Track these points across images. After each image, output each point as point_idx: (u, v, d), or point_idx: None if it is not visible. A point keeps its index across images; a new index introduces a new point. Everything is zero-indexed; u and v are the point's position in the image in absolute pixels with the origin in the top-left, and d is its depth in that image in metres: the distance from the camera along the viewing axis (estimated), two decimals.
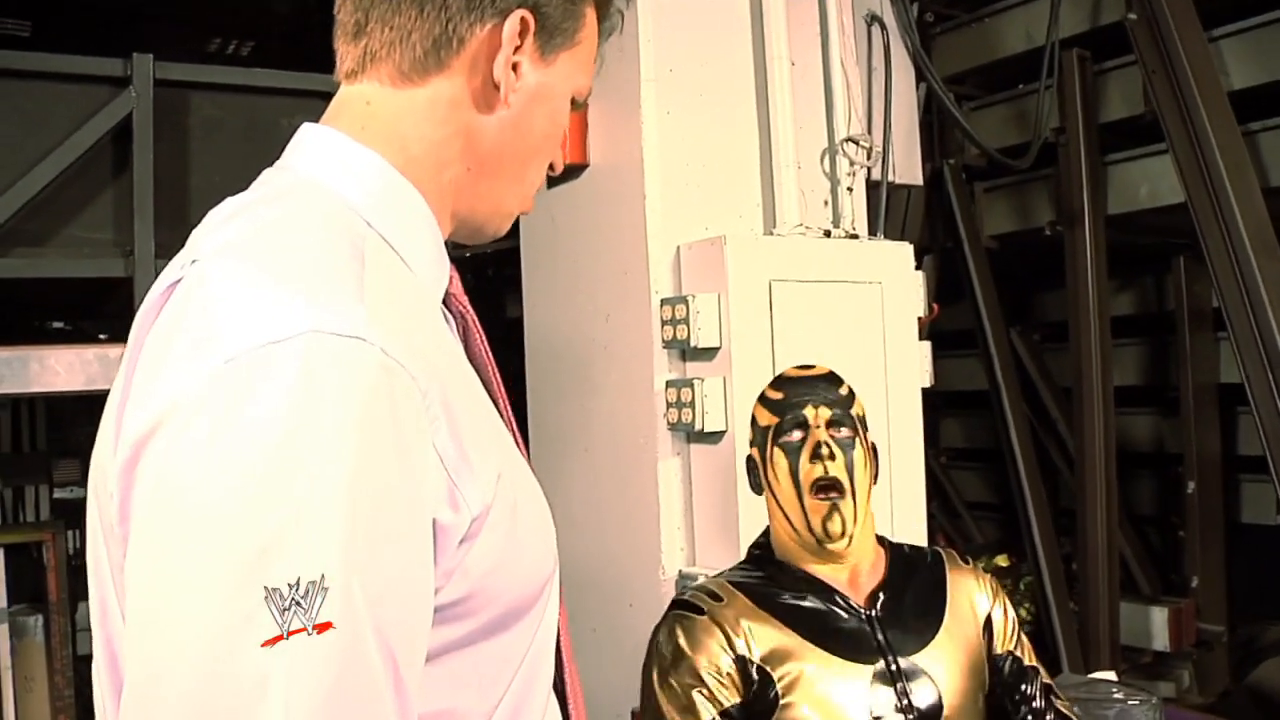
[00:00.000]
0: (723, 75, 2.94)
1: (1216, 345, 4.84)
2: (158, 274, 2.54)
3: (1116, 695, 2.50)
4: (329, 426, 0.76)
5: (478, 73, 0.98)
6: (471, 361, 1.02)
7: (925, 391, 3.06)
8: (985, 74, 4.86)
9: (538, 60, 1.00)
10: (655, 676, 1.70)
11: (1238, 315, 3.58)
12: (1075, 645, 4.44)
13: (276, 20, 6.66)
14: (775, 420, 1.78)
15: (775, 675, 1.65)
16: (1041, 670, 1.83)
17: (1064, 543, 4.81)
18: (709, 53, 2.92)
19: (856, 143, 3.08)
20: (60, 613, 4.02)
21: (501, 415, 1.01)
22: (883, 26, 3.36)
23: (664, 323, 2.71)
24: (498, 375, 1.07)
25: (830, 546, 1.72)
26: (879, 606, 1.73)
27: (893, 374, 2.88)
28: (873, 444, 1.80)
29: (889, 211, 3.32)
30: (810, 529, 1.72)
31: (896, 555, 1.83)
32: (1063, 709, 1.80)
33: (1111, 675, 2.79)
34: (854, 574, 1.76)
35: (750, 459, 1.85)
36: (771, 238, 2.86)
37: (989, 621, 1.80)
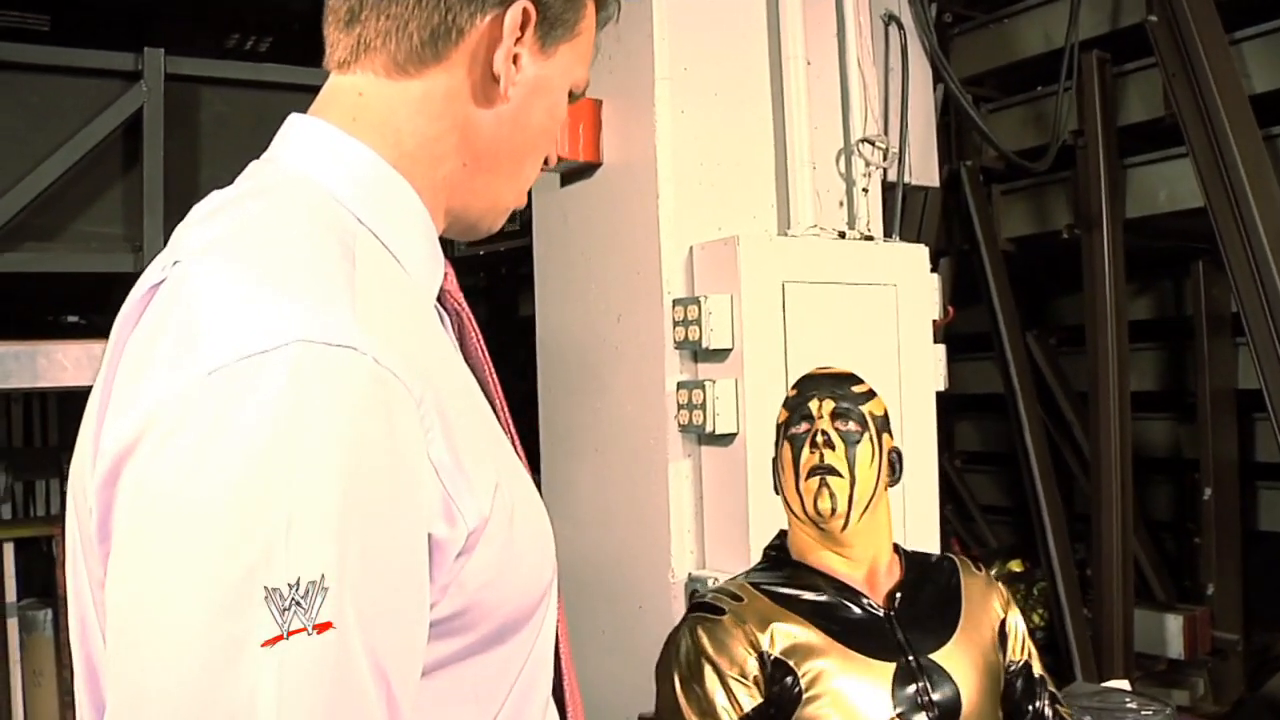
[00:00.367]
0: (738, 74, 2.92)
1: (1235, 351, 4.81)
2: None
3: (1130, 705, 2.47)
4: (318, 442, 0.73)
5: (477, 65, 0.94)
6: (468, 361, 0.99)
7: (940, 394, 3.03)
8: (1003, 75, 4.84)
9: (537, 53, 0.97)
10: (676, 680, 1.69)
11: (1257, 321, 3.56)
12: (1089, 652, 4.41)
13: (295, 16, 6.68)
14: (787, 415, 1.81)
15: (799, 671, 1.65)
16: (1048, 679, 1.85)
17: (1078, 548, 4.79)
18: (724, 51, 2.90)
19: (873, 143, 3.06)
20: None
21: (499, 417, 0.98)
22: (900, 26, 3.33)
23: (676, 323, 2.69)
24: (494, 376, 1.03)
25: (825, 526, 1.73)
26: (897, 605, 1.74)
27: (907, 377, 2.85)
28: (896, 449, 1.80)
29: (905, 213, 3.30)
30: (806, 511, 1.74)
31: (912, 559, 1.85)
32: (1066, 717, 1.83)
33: (1125, 684, 2.76)
34: (871, 574, 1.77)
35: (773, 458, 1.86)
36: (785, 238, 2.84)
37: (1003, 629, 1.82)
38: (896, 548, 1.84)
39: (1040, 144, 4.35)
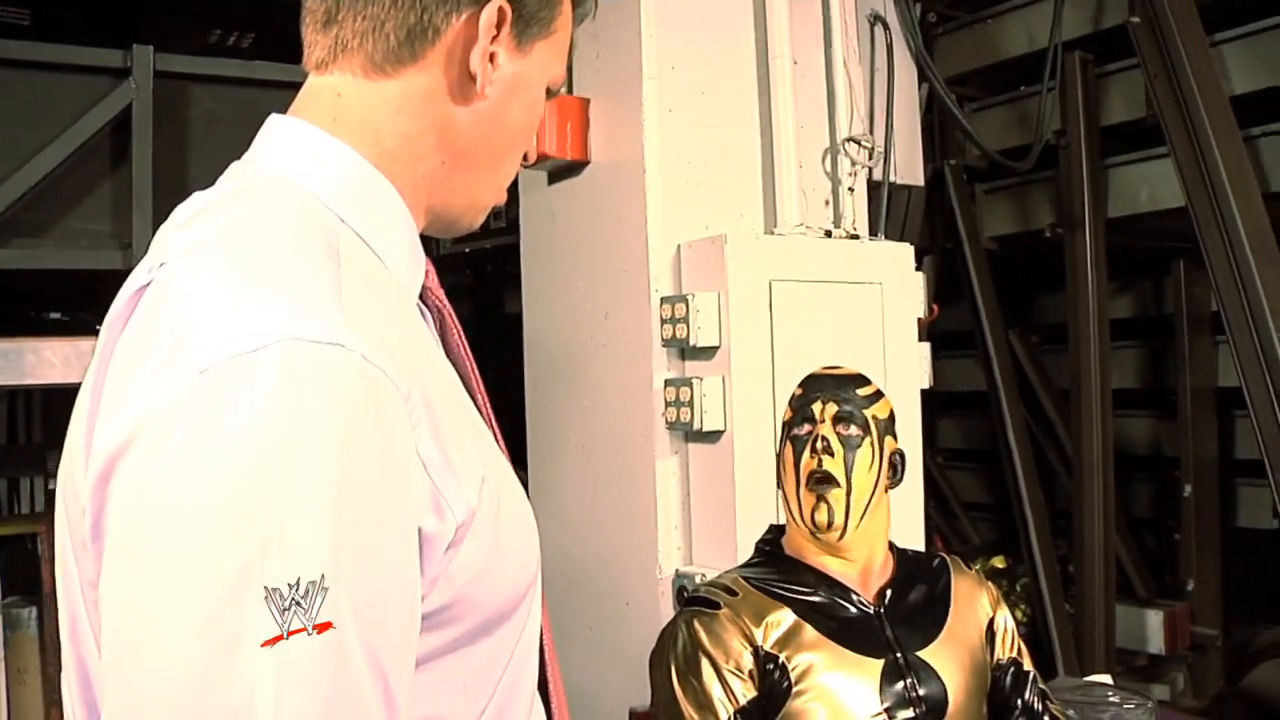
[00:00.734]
0: (725, 73, 2.93)
1: (1215, 349, 4.85)
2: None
3: (1112, 698, 2.50)
4: (310, 439, 0.73)
5: (454, 64, 0.95)
6: (450, 357, 1.00)
7: (922, 392, 3.05)
8: (987, 75, 4.87)
9: (514, 50, 0.98)
10: (673, 673, 1.71)
11: (1237, 319, 3.59)
12: (1070, 647, 4.45)
13: (278, 12, 6.65)
14: (791, 414, 1.82)
15: (789, 666, 1.67)
16: (1038, 676, 1.87)
17: (1060, 544, 4.82)
18: (711, 50, 2.91)
19: (858, 143, 3.07)
20: (55, 605, 4.01)
21: (481, 413, 0.99)
22: (885, 26, 3.35)
23: (663, 321, 2.70)
24: (477, 372, 1.04)
25: (821, 537, 1.76)
26: (886, 603, 1.76)
27: (892, 375, 2.87)
28: (899, 451, 1.81)
29: (889, 212, 3.32)
30: (805, 521, 1.76)
31: (904, 558, 1.87)
32: (1056, 713, 1.86)
33: (1107, 678, 2.79)
34: (864, 571, 1.80)
35: (777, 454, 1.89)
36: (772, 237, 2.85)
37: (991, 627, 1.85)
38: (891, 546, 1.86)
39: (1023, 143, 4.37)
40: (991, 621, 1.84)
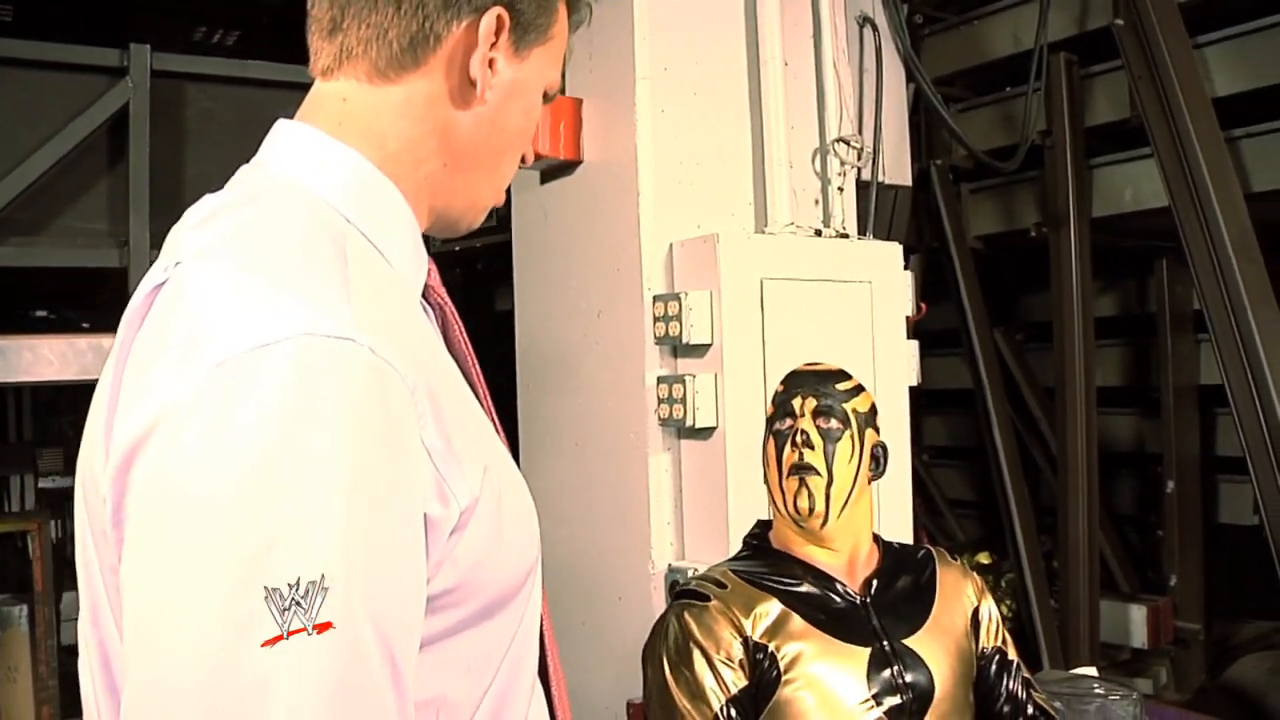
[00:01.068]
0: (716, 74, 2.96)
1: (1197, 347, 4.90)
2: (153, 265, 2.54)
3: (1098, 691, 2.54)
4: (323, 428, 0.77)
5: (454, 70, 0.98)
6: (451, 353, 1.03)
7: (909, 389, 3.09)
8: (973, 76, 4.90)
9: (512, 56, 1.01)
10: (665, 665, 1.74)
11: (1219, 318, 3.63)
12: (1055, 642, 4.49)
13: (263, 9, 6.63)
14: (774, 410, 1.86)
15: (779, 655, 1.70)
16: (1022, 665, 1.90)
17: (1044, 540, 4.86)
18: (703, 52, 2.94)
19: (847, 143, 3.11)
20: (45, 603, 4.02)
21: (483, 406, 1.02)
22: (874, 28, 3.38)
23: (656, 319, 2.73)
24: (477, 366, 1.08)
25: (804, 525, 1.79)
26: (872, 592, 1.79)
27: (881, 372, 2.91)
28: (881, 444, 1.85)
29: (876, 211, 3.35)
30: (787, 509, 1.80)
31: (889, 549, 1.91)
32: (1040, 701, 1.88)
33: (1093, 671, 2.83)
34: (850, 563, 1.83)
35: (763, 450, 1.92)
36: (763, 236, 2.88)
37: (976, 616, 1.88)
38: (877, 538, 1.89)
39: (1009, 144, 4.41)
40: (976, 611, 1.87)
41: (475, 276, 5.00)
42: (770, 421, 1.85)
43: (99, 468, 0.85)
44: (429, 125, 0.99)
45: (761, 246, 2.80)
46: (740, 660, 1.71)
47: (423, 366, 0.86)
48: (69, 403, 5.61)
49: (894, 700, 1.70)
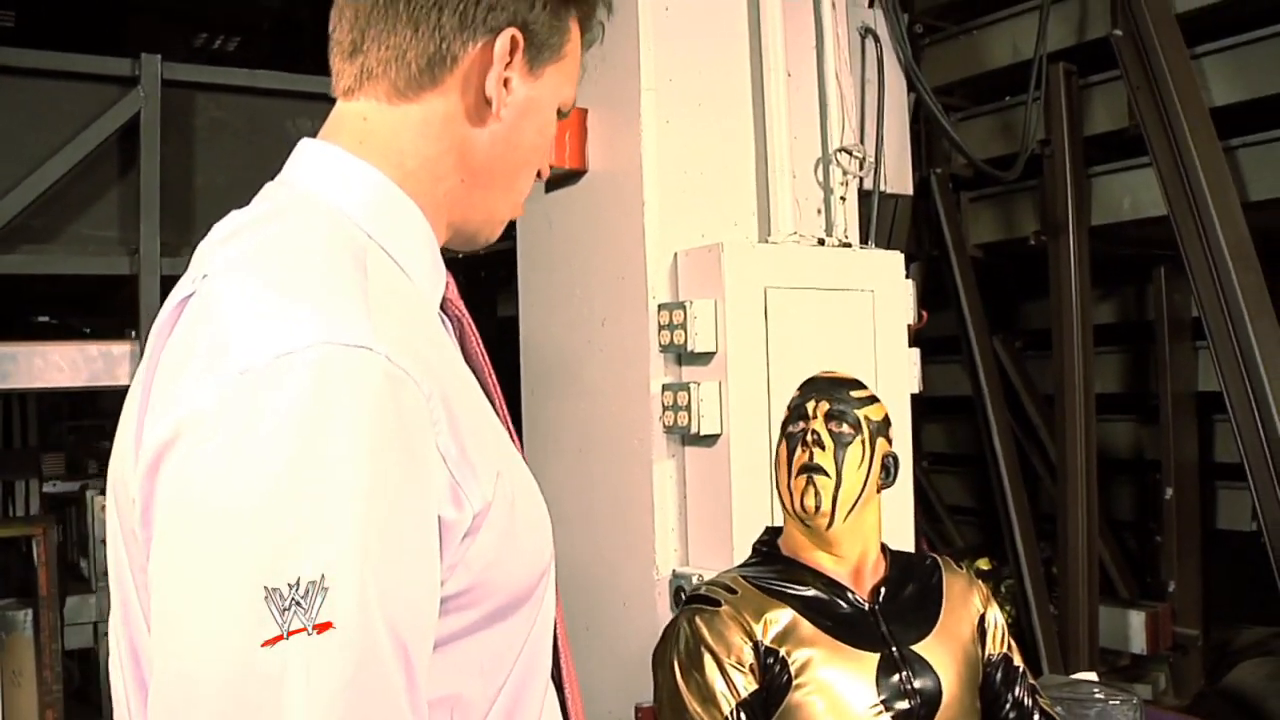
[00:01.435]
0: (721, 85, 2.99)
1: (1195, 354, 4.92)
2: (162, 272, 2.57)
3: (1098, 695, 2.56)
4: (342, 433, 0.80)
5: (470, 89, 1.02)
6: (469, 364, 1.06)
7: (910, 397, 3.12)
8: (973, 85, 4.92)
9: (526, 75, 1.04)
10: (677, 669, 1.76)
11: (1216, 325, 3.66)
12: (1055, 647, 4.51)
13: (265, 15, 6.66)
14: (788, 414, 1.89)
15: (789, 660, 1.73)
16: (1027, 671, 1.94)
17: (1044, 547, 4.88)
18: (707, 63, 2.97)
19: (850, 153, 3.14)
20: (50, 608, 4.03)
21: (498, 414, 1.06)
22: (876, 39, 3.42)
23: (661, 327, 2.76)
24: (494, 377, 1.11)
25: (810, 524, 1.81)
26: (881, 599, 1.82)
27: (883, 380, 2.93)
28: (892, 454, 1.87)
29: (878, 220, 3.38)
30: (794, 507, 1.82)
31: (897, 558, 1.94)
32: (1045, 707, 1.91)
33: (1093, 676, 2.86)
34: (858, 570, 1.85)
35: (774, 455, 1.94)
36: (767, 245, 2.91)
37: (982, 623, 1.90)
38: (884, 547, 1.92)
39: (1009, 153, 4.42)
40: (982, 618, 1.90)
41: (478, 283, 5.03)
42: (784, 425, 1.88)
43: (129, 470, 0.89)
44: (447, 143, 1.03)
45: (765, 256, 2.83)
46: (751, 665, 1.73)
47: (438, 375, 0.89)
48: (71, 408, 5.64)
49: (903, 705, 1.72)
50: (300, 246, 0.92)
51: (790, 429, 1.86)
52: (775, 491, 1.90)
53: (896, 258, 3.11)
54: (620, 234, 2.90)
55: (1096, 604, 4.52)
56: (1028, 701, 1.88)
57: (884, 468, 1.86)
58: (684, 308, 2.69)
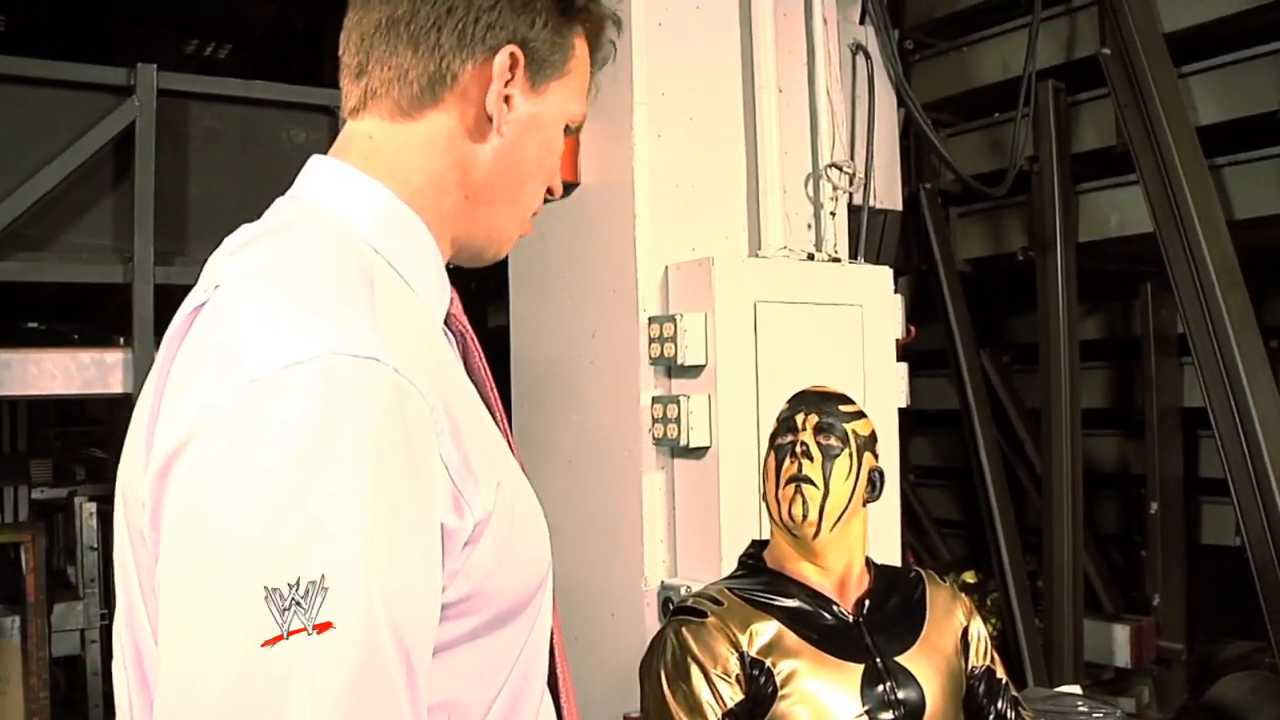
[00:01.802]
0: (712, 100, 3.02)
1: (1181, 370, 4.96)
2: (155, 281, 2.57)
3: (1082, 708, 2.58)
4: (348, 440, 0.82)
5: (472, 106, 1.04)
6: (471, 377, 1.08)
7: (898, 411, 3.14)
8: (963, 102, 4.96)
9: (528, 91, 1.06)
10: (663, 680, 1.78)
11: (1202, 341, 3.69)
12: (1040, 660, 4.53)
13: (256, 24, 6.67)
14: (776, 427, 1.91)
15: (774, 671, 1.74)
16: (1009, 683, 1.96)
17: (1030, 560, 4.90)
18: (700, 78, 3.00)
19: (840, 168, 3.16)
20: (38, 614, 4.01)
21: (498, 426, 1.08)
22: (867, 55, 3.45)
23: (651, 340, 2.78)
24: (495, 390, 1.13)
25: (797, 533, 1.83)
26: (865, 612, 1.84)
27: (871, 394, 2.95)
28: (878, 469, 1.90)
29: (867, 235, 3.41)
30: (781, 517, 1.84)
31: (881, 571, 1.96)
32: (1028, 718, 1.93)
33: (1077, 689, 2.88)
34: (842, 582, 1.87)
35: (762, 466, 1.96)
36: (757, 260, 2.93)
37: (965, 636, 1.92)
38: (868, 561, 1.94)
39: (997, 169, 4.46)
40: (966, 631, 1.92)
41: (470, 294, 5.05)
42: (773, 437, 1.90)
43: (139, 474, 0.90)
44: (450, 159, 1.05)
45: (755, 270, 2.86)
46: (737, 675, 1.75)
47: (442, 387, 0.91)
48: (58, 414, 5.62)
49: (886, 716, 1.74)
50: (310, 259, 0.94)
51: (779, 441, 1.88)
52: (763, 503, 1.92)
53: (885, 273, 3.14)
54: (611, 247, 2.92)
55: (1081, 617, 4.55)
56: (1010, 714, 1.90)
57: (870, 481, 1.88)
58: (674, 321, 2.71)
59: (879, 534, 2.91)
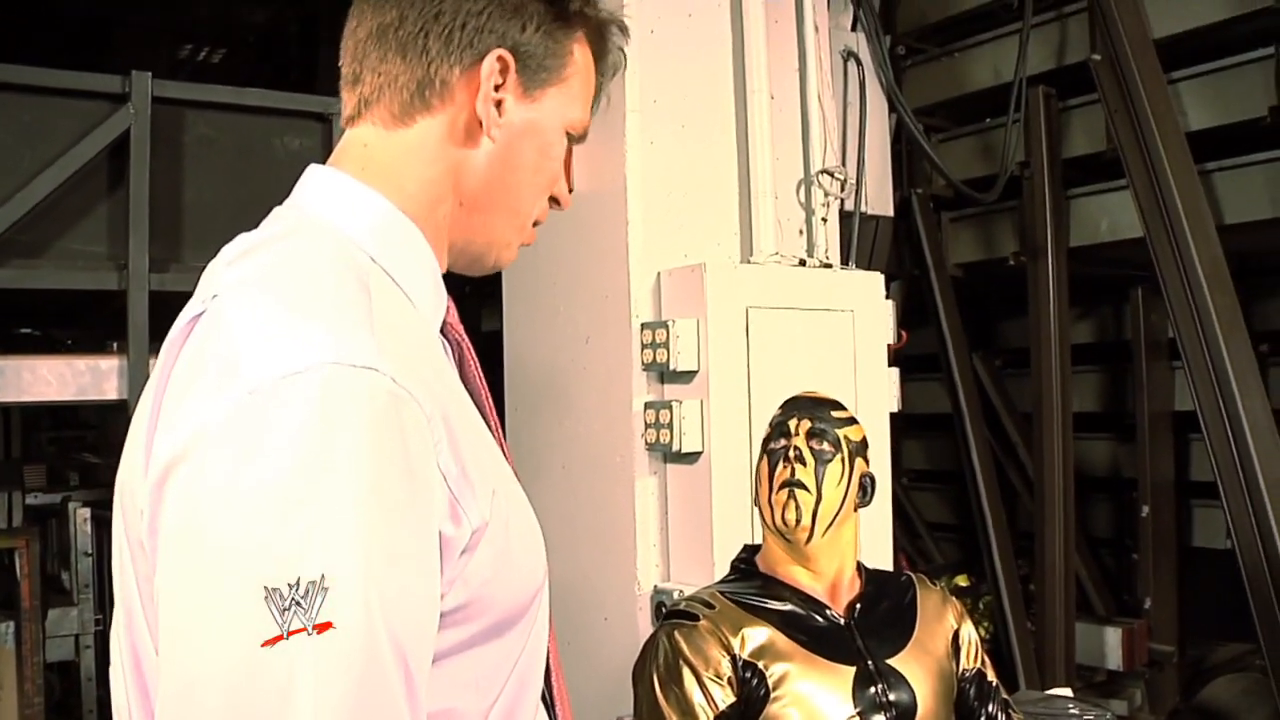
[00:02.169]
0: (704, 107, 3.03)
1: (1171, 374, 4.98)
2: (150, 288, 2.58)
3: (1073, 711, 2.59)
4: (346, 447, 0.83)
5: (462, 112, 1.04)
6: (466, 386, 1.08)
7: (890, 415, 3.15)
8: (954, 107, 4.98)
9: (522, 96, 1.06)
10: (656, 683, 1.79)
11: (1192, 346, 3.71)
12: (1032, 663, 4.54)
13: (249, 29, 6.67)
14: (769, 432, 1.92)
15: (766, 673, 1.76)
16: (1000, 686, 1.97)
17: (1022, 564, 4.92)
18: (691, 85, 3.01)
19: (831, 174, 3.18)
20: (32, 620, 4.01)
21: (493, 434, 1.08)
22: (858, 61, 3.46)
23: (644, 346, 2.79)
24: (490, 399, 1.13)
25: (789, 538, 1.84)
26: (856, 615, 1.86)
27: (863, 399, 2.96)
28: (870, 475, 1.91)
29: (859, 241, 3.42)
30: (774, 522, 1.85)
31: (872, 575, 1.97)
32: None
33: (1068, 692, 2.89)
34: (834, 586, 1.89)
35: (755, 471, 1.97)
36: (749, 266, 2.95)
37: (956, 639, 1.93)
38: (860, 565, 1.96)
39: (988, 174, 4.49)
40: (956, 634, 1.94)
41: (461, 299, 5.05)
42: (765, 442, 1.91)
43: (138, 482, 0.91)
44: (443, 166, 1.05)
45: (747, 276, 2.87)
46: (729, 678, 1.76)
47: (438, 397, 0.91)
48: (51, 420, 5.62)
49: (878, 718, 1.75)
50: (307, 268, 0.94)
51: (772, 446, 1.89)
52: (755, 508, 1.94)
53: (877, 278, 3.15)
54: (604, 253, 2.93)
55: (1073, 620, 4.57)
56: (1001, 717, 1.92)
57: (861, 487, 1.90)
58: (666, 327, 2.73)
59: (872, 537, 2.92)
